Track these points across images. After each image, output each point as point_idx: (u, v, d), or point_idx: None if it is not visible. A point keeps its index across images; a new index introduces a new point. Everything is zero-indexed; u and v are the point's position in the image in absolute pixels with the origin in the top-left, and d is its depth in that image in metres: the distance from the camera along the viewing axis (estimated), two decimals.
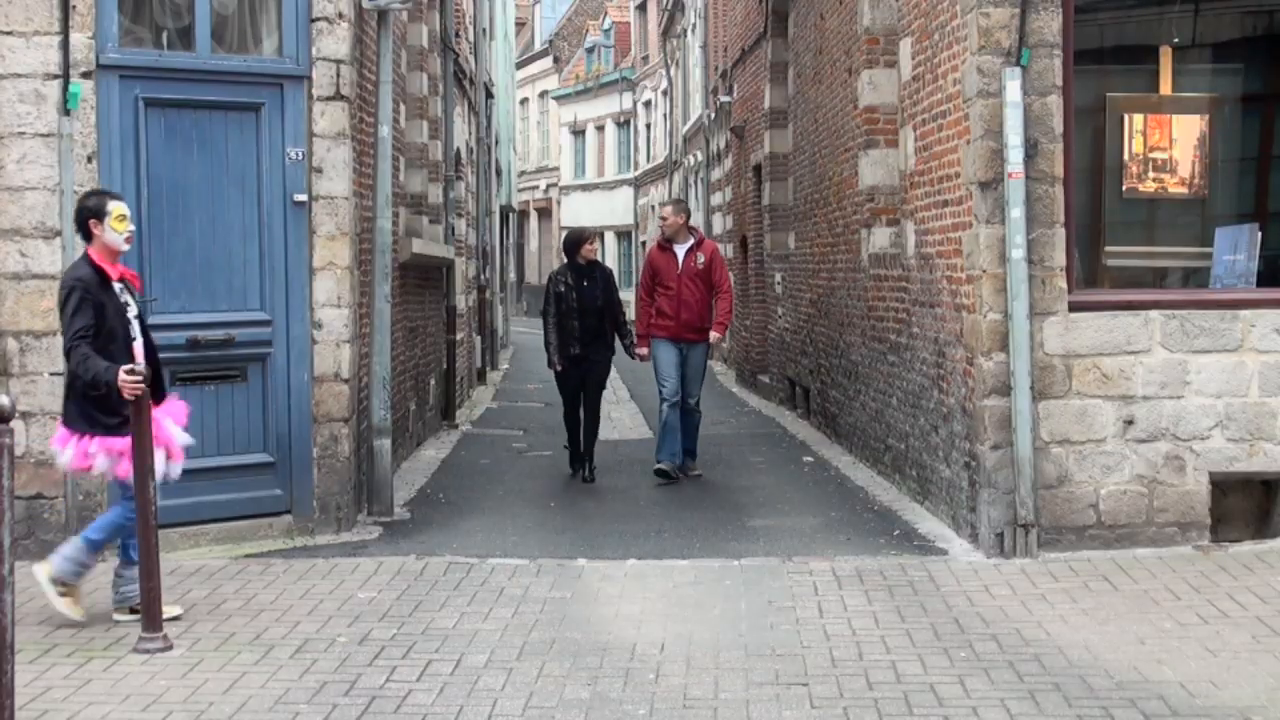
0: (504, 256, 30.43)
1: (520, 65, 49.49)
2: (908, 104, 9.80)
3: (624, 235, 47.01)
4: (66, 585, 6.60)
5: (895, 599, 7.01)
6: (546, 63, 54.70)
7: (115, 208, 6.60)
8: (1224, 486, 8.06)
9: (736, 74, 20.18)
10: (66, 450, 6.55)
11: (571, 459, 11.42)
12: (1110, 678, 5.69)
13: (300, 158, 8.52)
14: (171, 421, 6.70)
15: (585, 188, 50.56)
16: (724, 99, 21.09)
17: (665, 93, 37.41)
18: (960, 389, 8.44)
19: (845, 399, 12.24)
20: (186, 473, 8.16)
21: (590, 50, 52.42)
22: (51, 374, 7.91)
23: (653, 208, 40.20)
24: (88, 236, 6.60)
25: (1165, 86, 8.88)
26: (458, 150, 16.41)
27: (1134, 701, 5.38)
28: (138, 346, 6.63)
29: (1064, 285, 7.91)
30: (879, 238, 10.90)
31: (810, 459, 12.00)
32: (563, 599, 7.13)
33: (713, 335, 11.21)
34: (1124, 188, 8.77)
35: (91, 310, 6.41)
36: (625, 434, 14.52)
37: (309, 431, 8.59)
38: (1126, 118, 8.73)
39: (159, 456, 6.48)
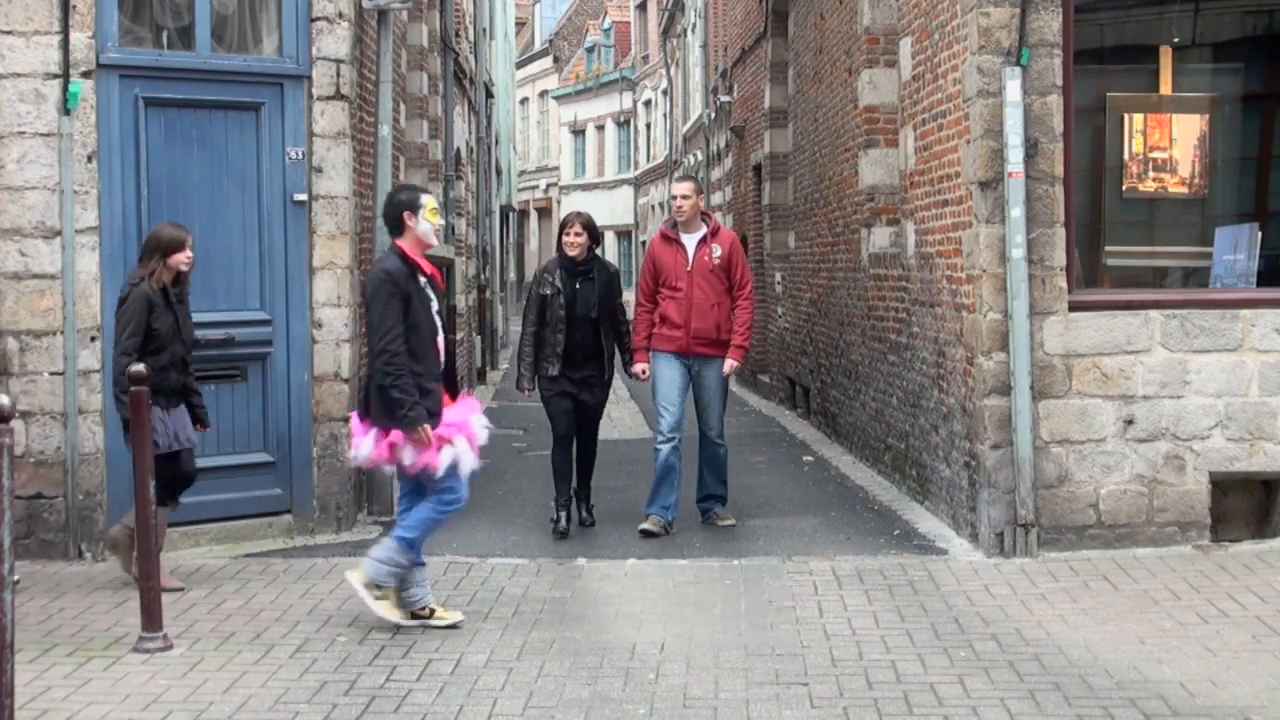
0: (504, 256, 30.45)
1: (520, 65, 49.51)
2: (908, 104, 9.79)
3: (624, 235, 47.04)
4: (381, 588, 6.49)
5: (895, 599, 7.01)
6: (546, 62, 54.73)
7: (428, 200, 6.64)
8: (1224, 486, 8.06)
9: (736, 74, 20.18)
10: (365, 442, 6.47)
11: (557, 506, 8.93)
12: (1110, 677, 5.69)
13: (300, 157, 8.52)
14: (477, 417, 6.63)
15: (585, 187, 50.57)
16: (724, 99, 21.08)
17: (665, 92, 37.42)
18: (960, 388, 8.44)
19: (845, 398, 12.24)
20: None
21: (590, 50, 52.45)
22: (51, 374, 7.91)
23: (652, 208, 40.22)
24: (399, 230, 6.59)
25: (1165, 86, 8.88)
26: (458, 150, 16.42)
27: (1134, 701, 5.38)
28: (441, 342, 6.61)
29: (1064, 285, 7.90)
30: (879, 237, 10.90)
31: (810, 459, 12.00)
32: (563, 599, 7.13)
33: (728, 365, 8.86)
34: (1124, 187, 8.78)
35: (400, 306, 6.37)
36: (625, 434, 14.52)
37: (309, 431, 8.60)
38: (1126, 117, 8.74)
39: (464, 450, 6.45)
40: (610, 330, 8.90)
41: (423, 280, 6.54)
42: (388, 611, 6.47)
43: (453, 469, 6.46)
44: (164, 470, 7.01)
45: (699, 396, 8.98)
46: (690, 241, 8.90)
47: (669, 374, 8.82)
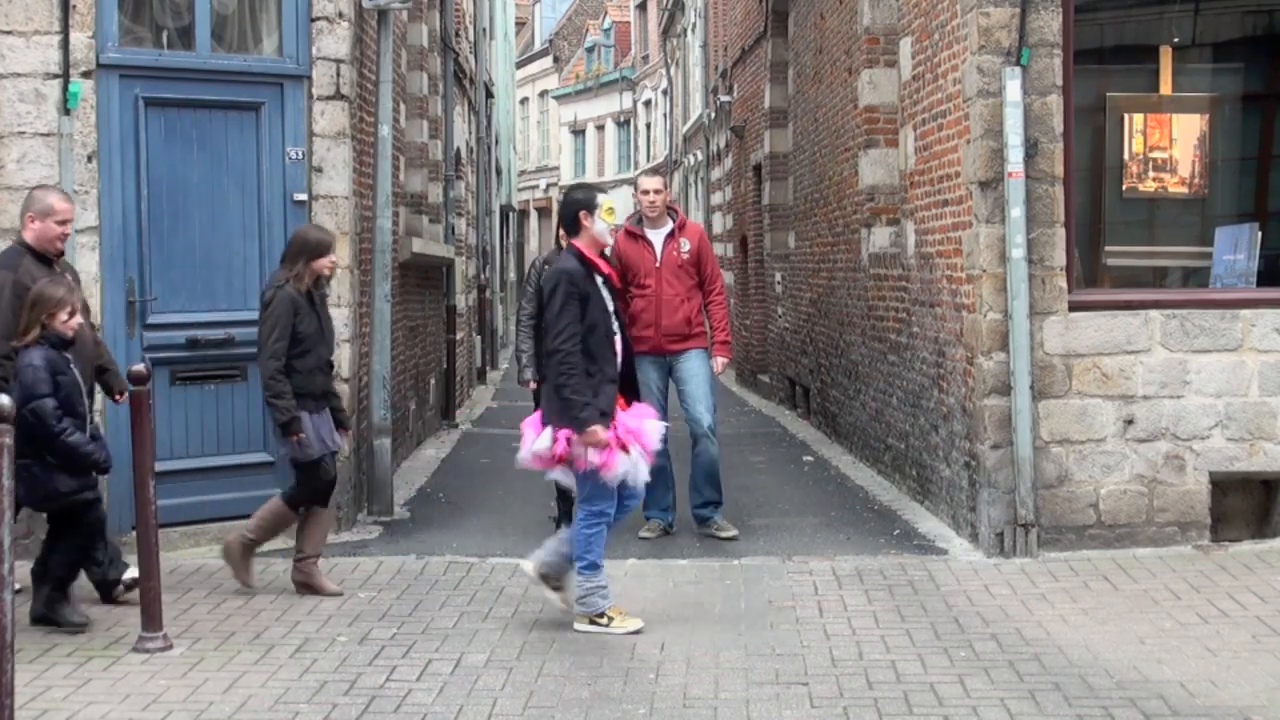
0: (504, 256, 30.45)
1: (520, 65, 49.50)
2: (908, 103, 9.79)
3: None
4: (603, 614, 6.49)
5: (895, 598, 7.01)
6: (546, 62, 54.73)
7: (604, 200, 6.66)
8: (1224, 486, 8.06)
9: (736, 73, 20.17)
10: (542, 439, 6.47)
11: (558, 508, 8.66)
12: (1110, 677, 5.69)
13: (300, 157, 8.52)
14: (652, 423, 6.59)
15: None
16: (724, 99, 21.08)
17: (665, 92, 37.41)
18: (960, 388, 8.44)
19: (845, 398, 12.24)
20: (186, 472, 8.22)
21: (590, 50, 52.45)
22: None
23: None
24: (575, 230, 6.60)
25: (1165, 86, 8.88)
26: (458, 150, 16.41)
27: (1134, 701, 5.38)
28: (618, 341, 6.60)
29: (1064, 285, 7.90)
30: (879, 237, 10.90)
31: (810, 458, 12.00)
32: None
33: (719, 362, 8.76)
34: (1124, 187, 8.78)
35: (577, 306, 6.38)
36: None
37: None
38: (1126, 117, 8.74)
39: (637, 458, 6.43)
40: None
41: (599, 280, 6.55)
42: (629, 624, 6.45)
43: (604, 482, 6.42)
44: (311, 476, 7.14)
45: (683, 390, 8.66)
46: (657, 237, 8.67)
47: (645, 378, 8.34)
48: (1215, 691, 5.49)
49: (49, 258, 6.83)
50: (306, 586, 7.20)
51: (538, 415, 6.64)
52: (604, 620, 6.47)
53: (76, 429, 6.36)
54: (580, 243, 6.58)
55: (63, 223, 6.84)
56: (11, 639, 4.62)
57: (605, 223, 6.59)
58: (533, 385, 8.37)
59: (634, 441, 6.42)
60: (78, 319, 6.48)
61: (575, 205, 6.64)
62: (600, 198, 6.67)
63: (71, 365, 6.49)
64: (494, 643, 6.30)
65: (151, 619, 6.21)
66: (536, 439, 6.52)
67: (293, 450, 7.10)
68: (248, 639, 6.36)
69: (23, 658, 5.71)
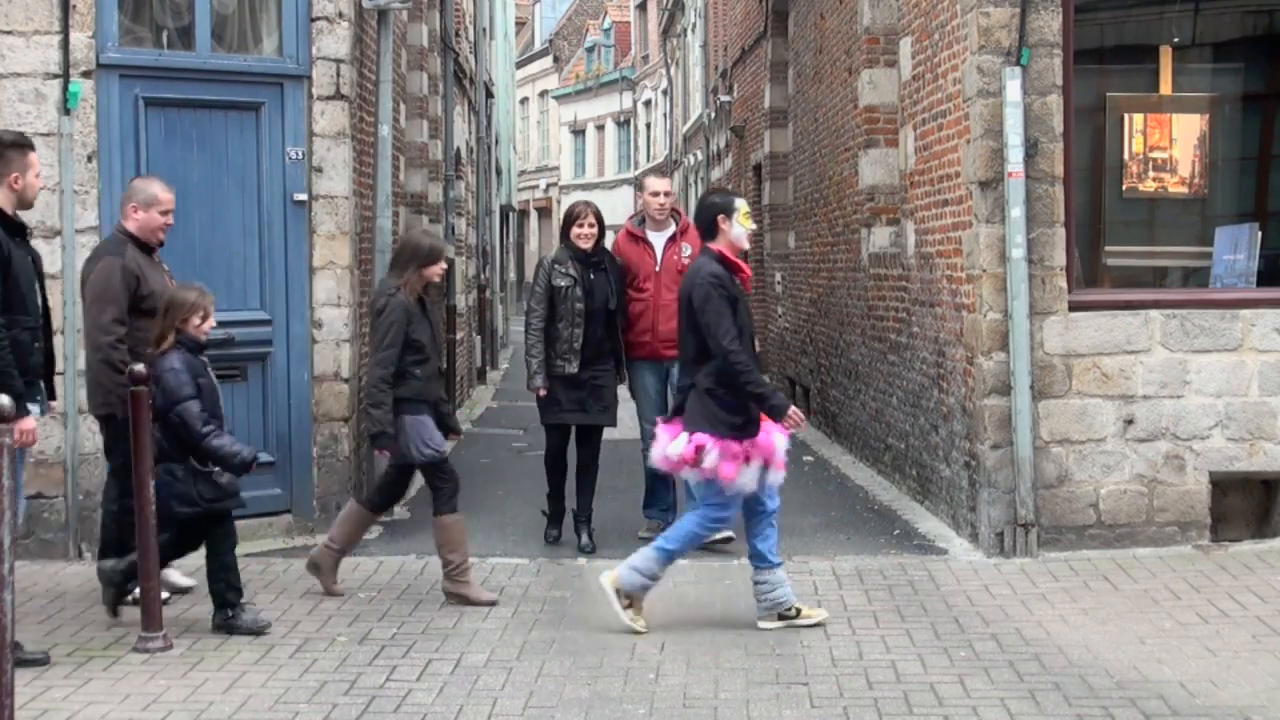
0: (504, 256, 30.45)
1: (520, 65, 49.50)
2: (908, 103, 9.79)
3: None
4: (631, 597, 6.48)
5: (895, 598, 7.01)
6: (546, 62, 54.74)
7: (741, 204, 6.68)
8: (1224, 486, 8.06)
9: (736, 73, 20.18)
10: (674, 445, 6.44)
11: (551, 517, 8.66)
12: (1110, 677, 5.69)
13: (300, 157, 8.52)
14: (780, 437, 6.54)
15: (585, 187, 50.54)
16: (724, 98, 21.09)
17: (665, 92, 37.42)
18: (960, 388, 8.44)
19: (845, 398, 12.24)
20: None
21: (590, 50, 52.47)
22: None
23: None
24: (713, 233, 6.60)
25: (1165, 86, 8.89)
26: (458, 150, 16.41)
27: (1134, 701, 5.38)
28: (756, 342, 6.69)
29: (1064, 285, 7.91)
30: (879, 237, 10.90)
31: (810, 458, 12.00)
32: (562, 598, 7.13)
33: None
34: (1124, 187, 8.78)
35: (730, 308, 6.39)
36: (626, 433, 14.46)
37: (309, 431, 8.59)
38: (1126, 117, 8.74)
39: (757, 473, 6.44)
40: (614, 324, 8.42)
41: (737, 281, 6.58)
42: (632, 620, 6.44)
43: (725, 490, 6.42)
44: (400, 478, 7.24)
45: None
46: (658, 239, 8.52)
47: (646, 382, 8.49)
48: (1215, 691, 5.49)
49: (150, 247, 6.90)
50: (459, 598, 7.01)
51: (673, 421, 6.60)
52: (792, 613, 6.49)
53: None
54: (718, 245, 6.57)
55: (165, 212, 6.92)
56: (12, 638, 4.62)
57: (743, 227, 6.61)
58: (543, 391, 8.27)
59: (760, 455, 6.42)
60: (211, 322, 6.49)
61: (714, 209, 6.62)
62: (738, 202, 6.67)
63: (209, 369, 6.52)
64: (494, 643, 6.30)
65: (151, 619, 6.21)
66: (672, 442, 6.49)
67: (418, 455, 7.03)
68: (248, 639, 6.36)
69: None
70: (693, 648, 6.18)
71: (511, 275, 36.03)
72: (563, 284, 8.25)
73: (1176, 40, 9.00)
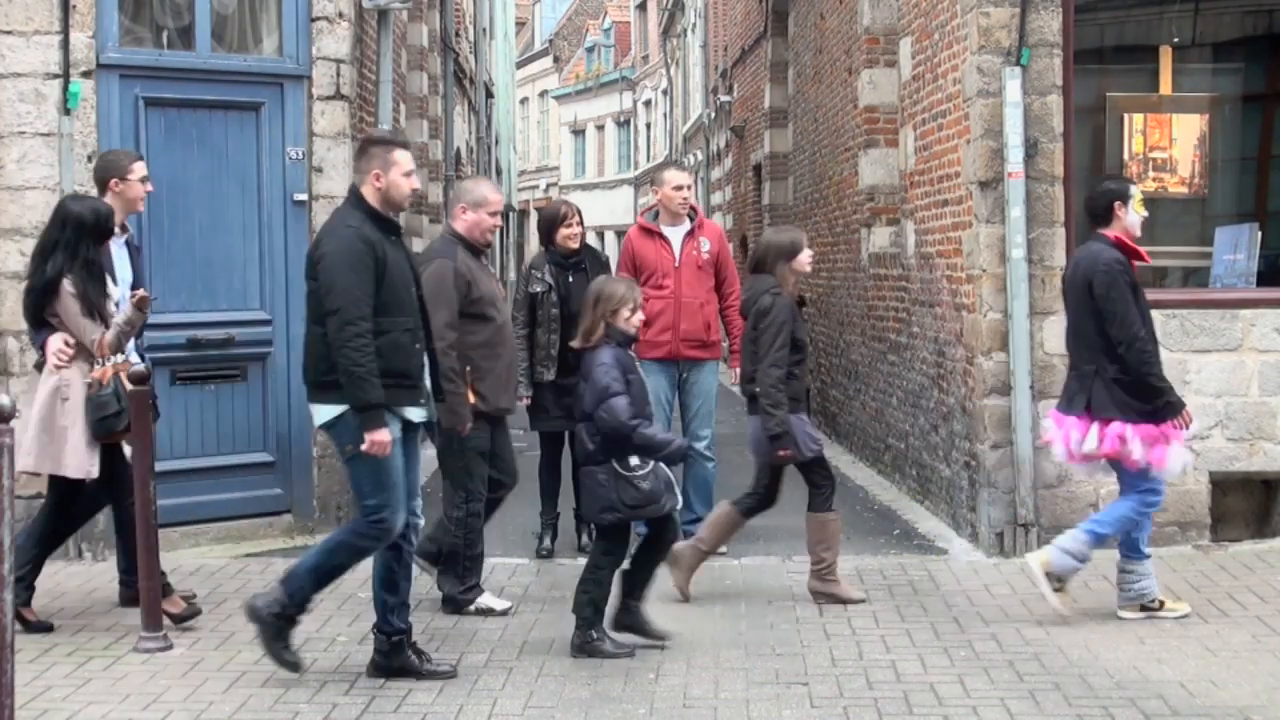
0: (504, 256, 30.45)
1: (520, 65, 49.53)
2: (908, 103, 9.80)
3: (624, 235, 46.96)
4: (1061, 580, 6.45)
5: (895, 598, 7.01)
6: (546, 62, 54.74)
7: (1136, 191, 6.62)
8: (1224, 486, 8.06)
9: (736, 73, 20.18)
10: (1089, 439, 6.38)
11: (543, 530, 8.40)
12: (1110, 677, 5.69)
13: (300, 157, 8.52)
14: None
15: (585, 187, 50.56)
16: (724, 98, 21.09)
17: (665, 92, 37.43)
18: (960, 388, 8.43)
19: (845, 398, 12.24)
20: (186, 472, 8.22)
21: (590, 50, 52.47)
22: None
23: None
24: (1108, 220, 6.54)
25: (1165, 86, 8.89)
26: (458, 150, 16.42)
27: (1134, 701, 5.38)
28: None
29: None
30: (879, 237, 10.90)
31: None
32: (563, 599, 7.12)
33: (736, 374, 7.97)
34: None
35: (1133, 294, 6.33)
36: None
37: (309, 431, 8.55)
38: (1126, 117, 8.74)
39: (1186, 453, 6.46)
40: None
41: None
42: (1061, 603, 6.41)
43: (1149, 473, 6.39)
44: (775, 479, 7.15)
45: (687, 404, 8.31)
46: (675, 235, 8.23)
47: (654, 384, 7.82)
48: (1215, 691, 5.49)
49: (479, 249, 6.83)
50: (829, 596, 6.94)
51: (1066, 413, 6.53)
52: (1155, 605, 6.48)
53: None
54: (1113, 232, 6.52)
55: (494, 214, 6.84)
56: (12, 638, 4.61)
57: (1138, 214, 6.57)
58: (525, 400, 8.02)
59: (1178, 435, 6.40)
60: (639, 315, 6.26)
61: (1110, 195, 6.56)
62: (1133, 188, 6.61)
63: (638, 363, 6.36)
64: (494, 643, 6.30)
65: (151, 619, 6.21)
66: (1083, 440, 6.40)
67: (777, 458, 6.99)
68: (248, 638, 6.34)
69: (23, 657, 5.70)
70: (693, 648, 6.18)
71: (511, 275, 36.03)
72: (538, 290, 8.00)
73: (1176, 40, 8.99)
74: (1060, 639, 6.23)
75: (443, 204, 14.77)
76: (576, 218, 8.13)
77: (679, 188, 8.22)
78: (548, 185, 53.00)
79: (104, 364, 6.33)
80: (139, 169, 6.80)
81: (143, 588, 6.27)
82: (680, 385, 8.32)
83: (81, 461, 6.31)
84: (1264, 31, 9.48)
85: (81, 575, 7.59)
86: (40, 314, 6.41)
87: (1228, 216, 8.87)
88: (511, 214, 34.73)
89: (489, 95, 22.90)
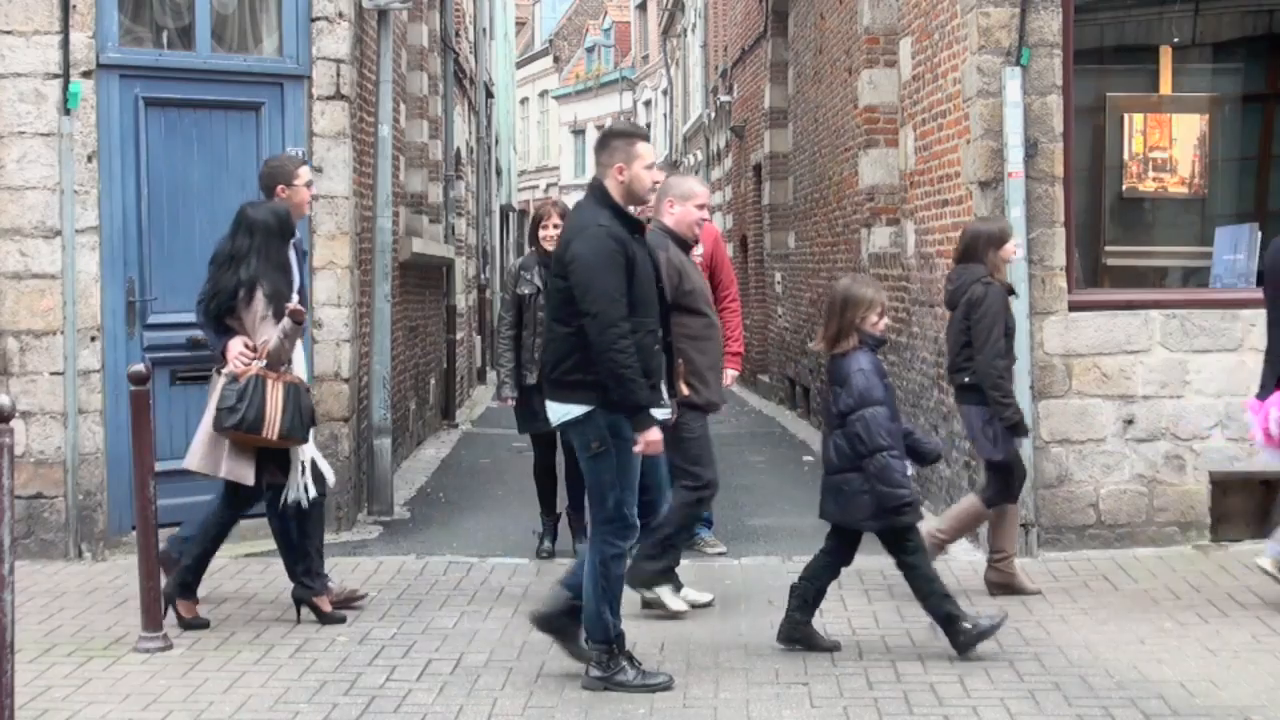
0: (504, 256, 30.43)
1: (520, 65, 49.49)
2: (908, 103, 9.80)
3: None
4: None
5: (895, 598, 7.01)
6: (546, 62, 54.72)
7: None
8: (1224, 486, 8.06)
9: (736, 73, 20.18)
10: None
11: (544, 531, 8.23)
12: (1110, 677, 5.69)
13: (300, 157, 8.51)
14: None
15: (585, 187, 50.51)
16: (724, 98, 21.09)
17: (665, 92, 37.41)
18: None
19: None
20: (186, 472, 8.20)
21: (590, 50, 52.46)
22: (51, 374, 7.91)
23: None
24: None
25: (1165, 86, 8.89)
26: (458, 150, 16.41)
27: (1134, 701, 5.38)
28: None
29: (1064, 285, 7.90)
30: (879, 237, 10.90)
31: (810, 458, 11.99)
32: None
33: (729, 375, 7.94)
34: (1124, 187, 8.78)
35: None
36: None
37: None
38: (1126, 117, 8.74)
39: None
40: None
41: None
42: None
43: None
44: (1011, 472, 7.04)
45: None
46: None
47: None
48: (1215, 691, 5.49)
49: (688, 243, 6.92)
50: (1004, 587, 6.99)
51: (1262, 400, 6.57)
52: None
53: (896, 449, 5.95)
54: None
55: (701, 206, 6.93)
56: (11, 638, 4.61)
57: None
58: (511, 402, 8.01)
59: None
60: (886, 319, 6.19)
61: None
62: None
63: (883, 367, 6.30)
64: (494, 643, 6.30)
65: (151, 619, 6.21)
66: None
67: (992, 450, 6.94)
68: (248, 638, 6.36)
69: (23, 658, 5.70)
70: (693, 648, 6.17)
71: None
72: (526, 291, 7.88)
73: (1176, 40, 8.99)
74: (1060, 639, 6.23)
75: (443, 204, 14.77)
76: (554, 218, 7.87)
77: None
78: (548, 185, 52.96)
79: (252, 364, 6.36)
80: (304, 174, 6.83)
81: (142, 588, 6.27)
82: None
83: (235, 466, 6.39)
84: (1264, 31, 9.48)
85: (81, 575, 7.60)
86: (223, 319, 6.45)
87: (1228, 216, 8.86)
88: (511, 214, 34.72)
89: (489, 95, 22.88)
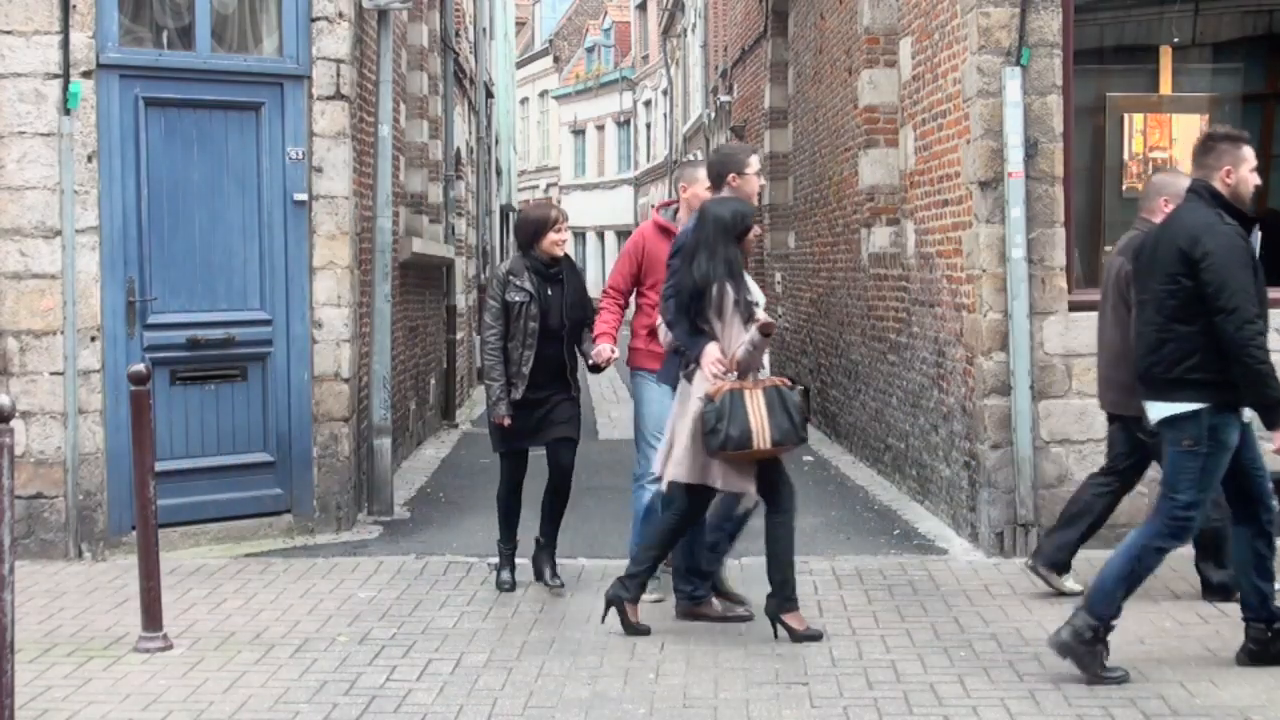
0: (504, 256, 30.43)
1: (520, 65, 49.48)
2: (908, 103, 9.80)
3: (624, 235, 47.01)
4: None
5: (895, 598, 7.01)
6: (546, 62, 54.71)
7: None
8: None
9: (736, 73, 20.18)
10: None
11: (501, 562, 7.42)
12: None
13: (300, 157, 8.52)
14: None
15: (585, 187, 50.55)
16: (724, 98, 21.09)
17: (665, 92, 37.42)
18: (960, 388, 8.44)
19: (845, 398, 12.24)
20: (186, 472, 8.23)
21: (590, 50, 52.45)
22: (51, 374, 7.91)
23: (652, 207, 40.15)
24: None
25: (1165, 86, 8.89)
26: (458, 150, 16.40)
27: (1134, 701, 5.38)
28: None
29: (1064, 285, 7.91)
30: (879, 237, 10.90)
31: (810, 458, 11.99)
32: (563, 598, 7.13)
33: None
34: (1124, 187, 8.78)
35: None
36: (625, 433, 14.47)
37: (309, 431, 8.59)
38: (1126, 117, 8.75)
39: None
40: (574, 336, 7.23)
41: None
42: None
43: None
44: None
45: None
46: None
47: (658, 396, 6.90)
48: (1215, 691, 5.49)
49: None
50: None
51: None
52: None
53: None
54: None
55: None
56: (11, 638, 4.62)
57: None
58: (507, 421, 7.15)
59: None
60: None
61: None
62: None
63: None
64: (494, 643, 6.30)
65: (151, 619, 6.21)
66: None
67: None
68: (248, 638, 6.36)
69: (22, 657, 5.71)
70: (693, 648, 6.18)
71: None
72: (518, 299, 7.12)
73: (1176, 40, 9.00)
74: None
75: (443, 204, 14.77)
76: (567, 223, 7.39)
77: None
78: (548, 185, 52.98)
79: (726, 379, 6.19)
80: (754, 163, 6.68)
81: (143, 588, 6.27)
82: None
83: (730, 478, 6.32)
84: (1264, 31, 9.49)
85: (81, 575, 7.60)
86: (694, 319, 6.28)
87: None
88: (511, 214, 34.72)
89: (489, 95, 22.87)
